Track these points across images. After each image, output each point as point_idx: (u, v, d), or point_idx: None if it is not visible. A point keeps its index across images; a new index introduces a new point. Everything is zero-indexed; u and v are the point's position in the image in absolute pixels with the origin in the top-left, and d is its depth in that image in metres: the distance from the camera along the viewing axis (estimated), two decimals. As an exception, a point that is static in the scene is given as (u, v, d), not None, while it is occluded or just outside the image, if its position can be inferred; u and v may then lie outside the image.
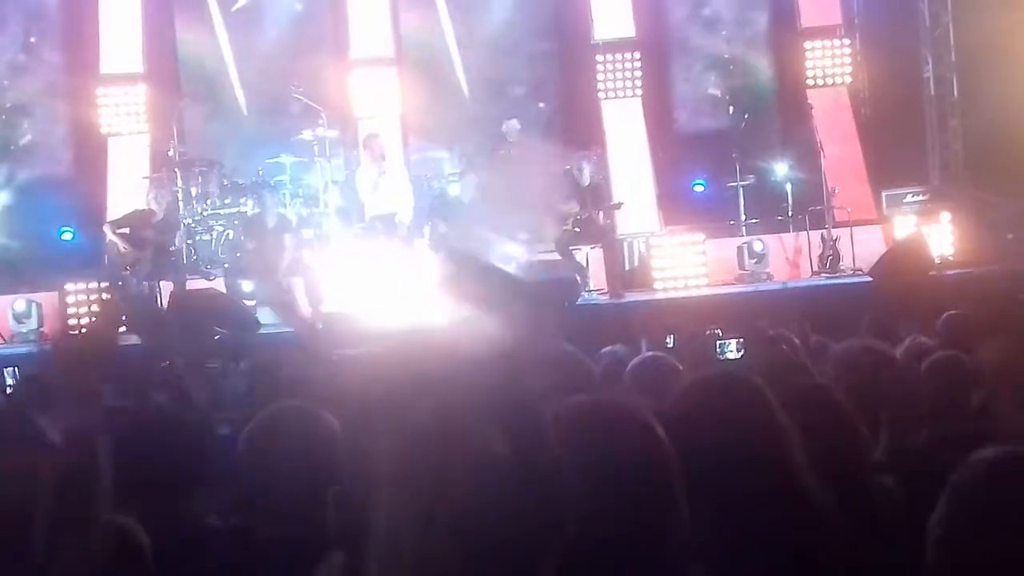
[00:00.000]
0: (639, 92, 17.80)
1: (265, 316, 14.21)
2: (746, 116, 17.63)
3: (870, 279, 13.53)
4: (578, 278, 14.64)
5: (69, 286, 15.08)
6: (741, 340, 4.81)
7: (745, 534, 2.51)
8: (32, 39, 18.01)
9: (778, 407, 2.67)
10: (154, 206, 15.01)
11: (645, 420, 2.28)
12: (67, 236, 17.14)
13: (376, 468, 1.52)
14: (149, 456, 3.59)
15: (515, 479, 1.48)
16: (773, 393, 2.74)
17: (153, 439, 3.72)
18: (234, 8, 18.60)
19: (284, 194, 16.37)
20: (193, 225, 16.39)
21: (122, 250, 14.70)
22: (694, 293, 15.19)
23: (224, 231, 16.34)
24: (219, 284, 14.98)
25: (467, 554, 1.48)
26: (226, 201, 16.61)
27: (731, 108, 17.65)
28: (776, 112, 18.26)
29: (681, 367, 5.30)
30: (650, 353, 6.03)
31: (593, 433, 2.22)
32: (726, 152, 17.25)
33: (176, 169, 16.66)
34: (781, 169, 17.04)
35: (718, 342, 4.98)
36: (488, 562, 1.47)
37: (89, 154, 17.46)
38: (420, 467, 1.48)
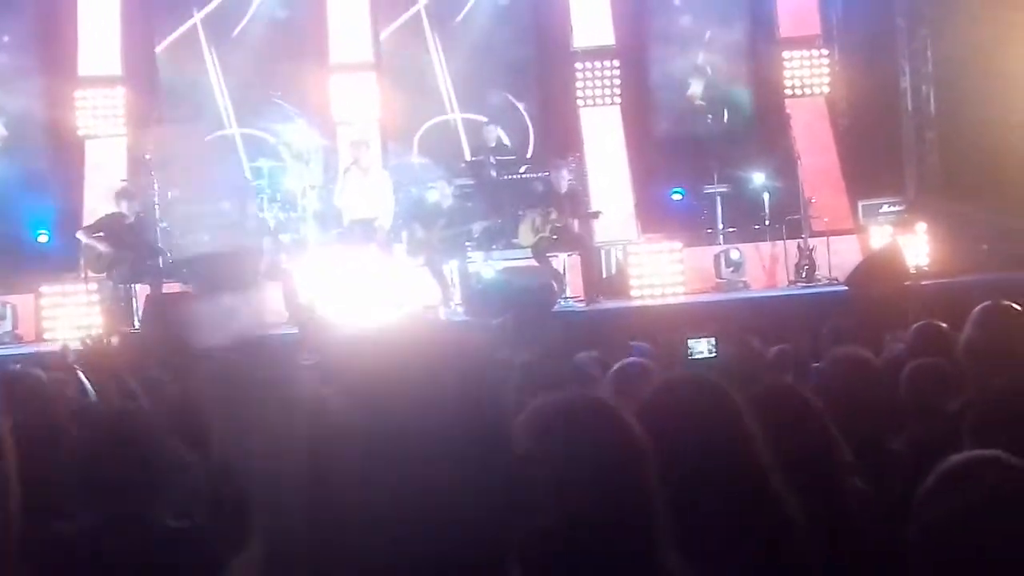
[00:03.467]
0: (618, 100, 17.84)
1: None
2: (724, 125, 17.68)
3: (845, 288, 13.56)
4: (555, 285, 14.66)
5: (45, 288, 15.03)
6: (713, 340, 4.80)
7: (711, 535, 2.52)
8: (5, 38, 17.88)
9: (745, 409, 2.69)
10: (124, 210, 14.95)
11: (618, 414, 2.29)
12: (43, 238, 17.07)
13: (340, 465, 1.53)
14: (110, 457, 3.59)
15: (478, 473, 1.49)
16: (743, 393, 2.75)
17: (114, 440, 3.70)
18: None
19: (262, 199, 16.32)
20: (170, 229, 16.32)
21: (102, 251, 14.64)
22: (671, 301, 15.22)
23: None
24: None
25: (432, 543, 1.48)
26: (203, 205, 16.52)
27: (709, 117, 17.68)
28: (754, 121, 18.31)
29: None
30: (631, 359, 6.08)
31: (567, 427, 2.23)
32: (704, 161, 17.29)
33: (153, 173, 16.59)
34: (758, 178, 17.08)
35: (688, 340, 4.92)
36: (453, 551, 1.48)
37: (66, 156, 17.39)
38: (381, 462, 1.49)
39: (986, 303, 5.65)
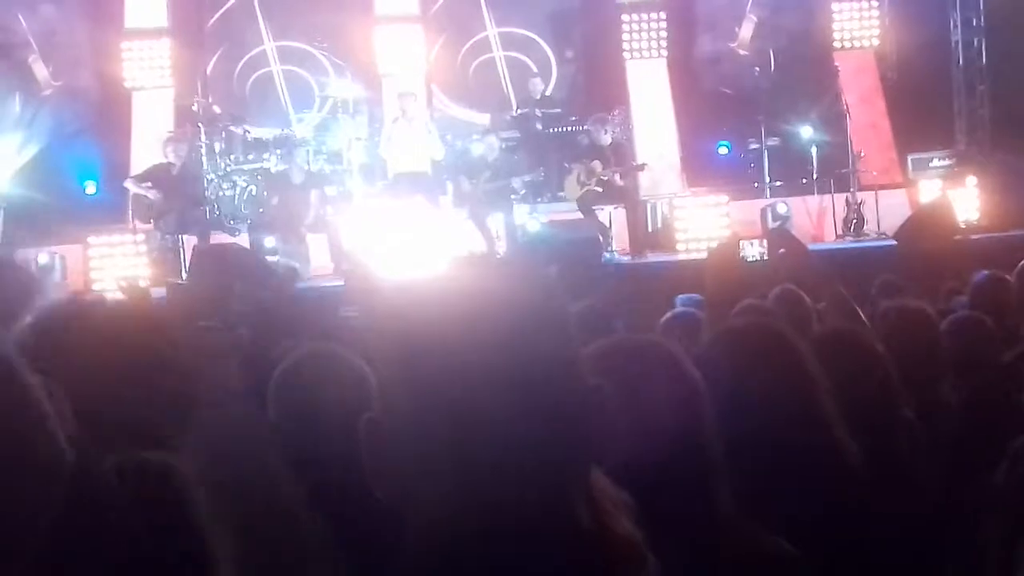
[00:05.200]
0: (664, 52, 17.72)
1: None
2: (772, 78, 17.53)
3: (895, 243, 13.44)
4: (600, 238, 14.61)
5: (92, 239, 15.11)
6: (764, 242, 4.73)
7: (771, 481, 2.50)
8: (55, -11, 17.91)
9: (808, 354, 2.65)
10: (172, 159, 15.00)
11: (678, 357, 2.28)
12: (90, 189, 17.17)
13: (401, 402, 1.51)
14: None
15: (544, 410, 1.47)
16: (804, 337, 2.72)
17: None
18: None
19: (308, 151, 16.35)
20: (216, 180, 16.40)
21: (151, 198, 14.69)
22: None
23: (247, 186, 16.35)
24: (242, 239, 14.99)
25: (495, 486, 1.47)
26: (249, 156, 16.61)
27: (757, 70, 17.53)
28: (802, 74, 18.11)
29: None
30: (680, 309, 6.06)
31: (627, 368, 2.22)
32: (751, 114, 17.18)
33: (200, 124, 16.66)
34: (806, 132, 16.94)
35: (740, 241, 4.85)
36: (516, 486, 1.46)
37: (113, 108, 17.45)
38: (444, 397, 1.47)
39: None
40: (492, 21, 18.55)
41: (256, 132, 17.12)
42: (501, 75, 18.52)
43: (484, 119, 17.90)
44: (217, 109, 16.94)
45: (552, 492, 1.46)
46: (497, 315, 1.46)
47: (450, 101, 18.32)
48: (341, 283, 13.73)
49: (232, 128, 16.68)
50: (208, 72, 17.82)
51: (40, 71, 17.22)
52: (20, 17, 17.29)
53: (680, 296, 7.29)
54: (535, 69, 17.93)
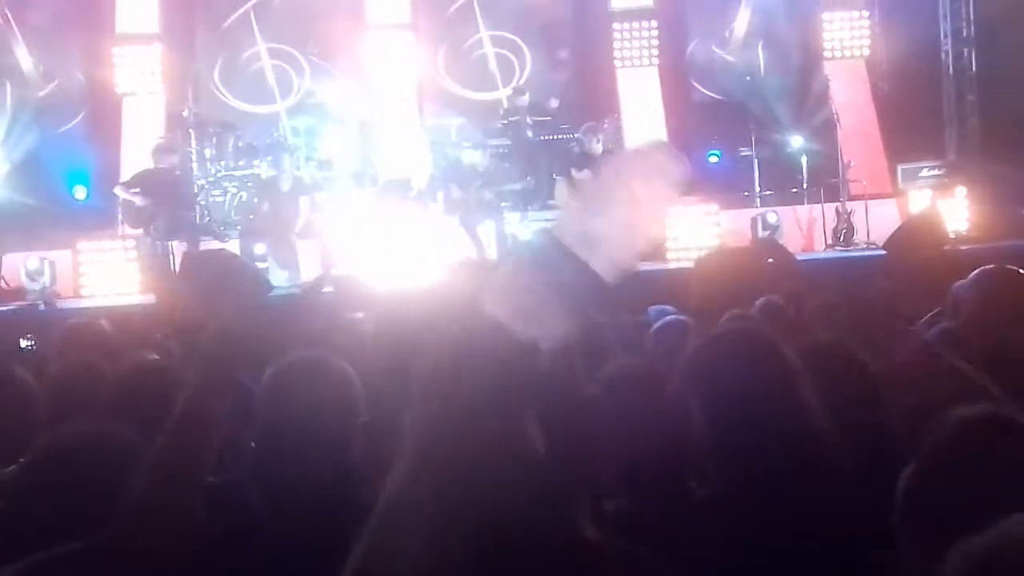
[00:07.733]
0: (655, 61, 17.74)
1: (277, 278, 14.20)
2: (763, 86, 17.55)
3: (884, 253, 13.44)
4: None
5: (82, 244, 15.07)
6: None
7: (758, 476, 2.51)
8: (46, -5, 17.91)
9: (792, 357, 2.67)
10: (162, 165, 14.95)
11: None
12: (80, 194, 17.14)
13: (397, 402, 1.51)
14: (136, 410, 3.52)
15: (544, 419, 1.48)
16: (790, 346, 2.74)
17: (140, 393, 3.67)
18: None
19: (298, 157, 16.34)
20: (207, 186, 16.38)
21: (140, 205, 14.64)
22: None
23: (238, 193, 16.33)
24: (232, 246, 14.96)
25: (494, 489, 1.47)
26: (240, 163, 16.60)
27: (748, 78, 17.55)
28: (793, 83, 18.15)
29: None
30: (671, 316, 6.05)
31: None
32: (742, 123, 17.20)
33: (190, 130, 16.65)
34: (797, 141, 16.97)
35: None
36: (517, 498, 1.46)
37: (104, 113, 17.44)
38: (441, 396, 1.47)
39: (986, 266, 5.57)
40: (484, 26, 18.55)
41: (251, 108, 17.04)
42: (492, 68, 18.50)
43: (487, 97, 17.94)
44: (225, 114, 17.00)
45: (556, 502, 1.46)
46: (497, 327, 1.45)
47: (456, 85, 18.36)
48: (331, 289, 13.76)
49: (224, 134, 16.69)
50: (199, 78, 17.81)
51: (31, 72, 17.19)
52: (11, 19, 17.27)
53: (653, 308, 7.18)
54: (519, 71, 17.99)
